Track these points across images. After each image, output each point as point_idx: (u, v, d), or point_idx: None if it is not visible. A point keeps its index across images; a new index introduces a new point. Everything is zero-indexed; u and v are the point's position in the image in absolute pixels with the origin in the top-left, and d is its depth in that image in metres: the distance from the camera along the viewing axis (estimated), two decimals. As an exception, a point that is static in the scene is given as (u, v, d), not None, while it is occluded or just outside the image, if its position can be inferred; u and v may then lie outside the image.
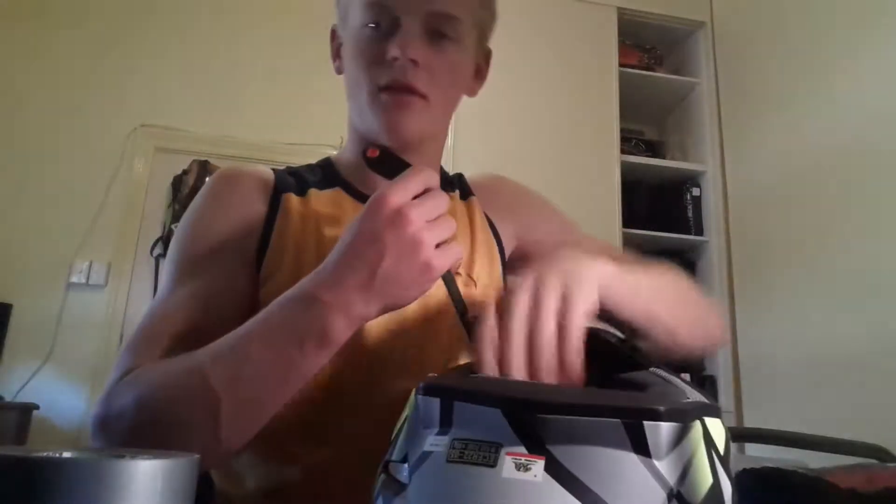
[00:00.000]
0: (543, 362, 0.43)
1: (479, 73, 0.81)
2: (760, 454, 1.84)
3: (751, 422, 2.44)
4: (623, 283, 0.51)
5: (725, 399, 2.55)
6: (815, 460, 0.96)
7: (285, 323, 0.49)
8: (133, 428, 0.51)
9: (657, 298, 0.57)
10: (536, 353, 0.43)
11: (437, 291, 0.70)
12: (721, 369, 2.60)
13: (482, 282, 0.74)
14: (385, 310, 0.49)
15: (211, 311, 0.62)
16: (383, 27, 0.68)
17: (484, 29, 0.76)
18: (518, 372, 0.43)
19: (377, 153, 0.57)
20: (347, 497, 0.60)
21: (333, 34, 0.79)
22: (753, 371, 2.48)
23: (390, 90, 0.68)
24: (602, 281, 0.48)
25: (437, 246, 0.49)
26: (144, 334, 0.60)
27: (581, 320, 0.45)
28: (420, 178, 0.50)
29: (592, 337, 0.55)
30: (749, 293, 2.55)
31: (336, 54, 0.79)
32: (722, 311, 2.64)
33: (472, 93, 0.80)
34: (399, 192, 0.48)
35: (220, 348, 0.51)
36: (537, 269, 0.46)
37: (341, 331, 0.48)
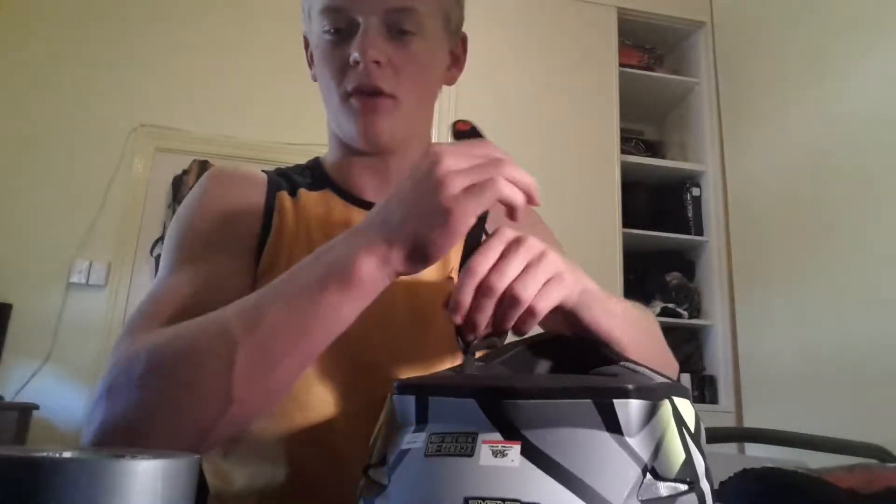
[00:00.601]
0: (508, 320, 0.48)
1: (456, 61, 0.79)
2: (760, 454, 1.84)
3: (751, 422, 2.43)
4: (597, 302, 0.56)
5: (725, 399, 2.56)
6: (815, 460, 0.96)
7: (312, 266, 0.48)
8: (142, 376, 0.47)
9: (623, 324, 0.61)
10: (505, 308, 0.48)
11: (435, 302, 0.71)
12: (721, 369, 2.61)
13: None
14: (411, 256, 0.47)
15: (212, 295, 0.60)
16: (343, 31, 0.68)
17: (449, 15, 0.74)
18: (481, 314, 0.48)
19: (468, 127, 0.55)
20: (337, 501, 0.60)
21: (306, 42, 0.78)
22: (753, 371, 2.48)
23: (358, 94, 0.67)
24: (581, 289, 0.54)
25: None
26: (145, 315, 0.58)
27: (547, 304, 0.50)
28: (486, 147, 0.49)
29: (562, 337, 0.56)
30: (749, 293, 2.55)
31: (311, 61, 0.78)
32: (724, 314, 2.64)
33: (449, 82, 0.79)
34: (451, 150, 0.47)
35: (245, 300, 0.50)
36: (543, 252, 0.50)
37: (367, 272, 0.47)
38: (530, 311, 0.49)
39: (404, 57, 0.68)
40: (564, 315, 0.55)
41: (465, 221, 0.45)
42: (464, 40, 0.80)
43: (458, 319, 0.47)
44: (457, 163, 0.46)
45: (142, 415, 0.47)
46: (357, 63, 0.66)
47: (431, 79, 0.74)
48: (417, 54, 0.69)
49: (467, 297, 0.47)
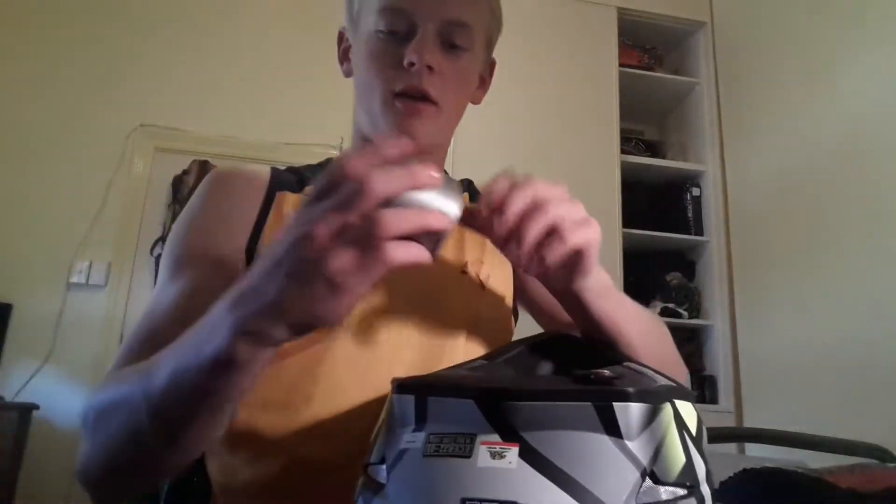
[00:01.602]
0: (533, 233, 0.47)
1: (483, 83, 0.82)
2: (760, 454, 1.84)
3: (751, 422, 2.43)
4: (612, 293, 0.58)
5: (725, 399, 2.55)
6: (815, 460, 0.96)
7: (192, 345, 0.45)
8: (92, 432, 0.53)
9: (634, 321, 0.62)
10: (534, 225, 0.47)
11: (445, 298, 0.71)
12: (721, 369, 2.60)
13: (494, 286, 0.75)
14: (299, 332, 0.43)
15: (199, 311, 0.61)
16: (399, 32, 0.69)
17: (491, 38, 0.78)
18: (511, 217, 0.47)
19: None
20: (342, 494, 0.60)
21: (341, 37, 0.80)
22: (753, 371, 2.48)
23: (404, 96, 0.69)
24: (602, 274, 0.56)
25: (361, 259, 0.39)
26: (138, 335, 0.61)
27: (580, 237, 0.49)
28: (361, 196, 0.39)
29: (565, 337, 0.57)
30: (749, 293, 2.55)
31: (344, 57, 0.79)
32: (724, 314, 2.64)
33: (476, 101, 0.82)
34: (322, 213, 0.39)
35: (146, 364, 0.50)
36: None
37: (247, 356, 0.43)
38: (559, 238, 0.49)
39: (452, 69, 0.71)
40: (577, 303, 0.57)
41: (355, 297, 0.40)
42: (492, 65, 0.83)
43: (485, 210, 0.47)
44: (330, 226, 0.39)
45: (98, 463, 0.53)
46: (412, 65, 0.68)
47: (468, 94, 0.77)
48: (463, 68, 0.72)
49: (518, 203, 0.47)
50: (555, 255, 0.48)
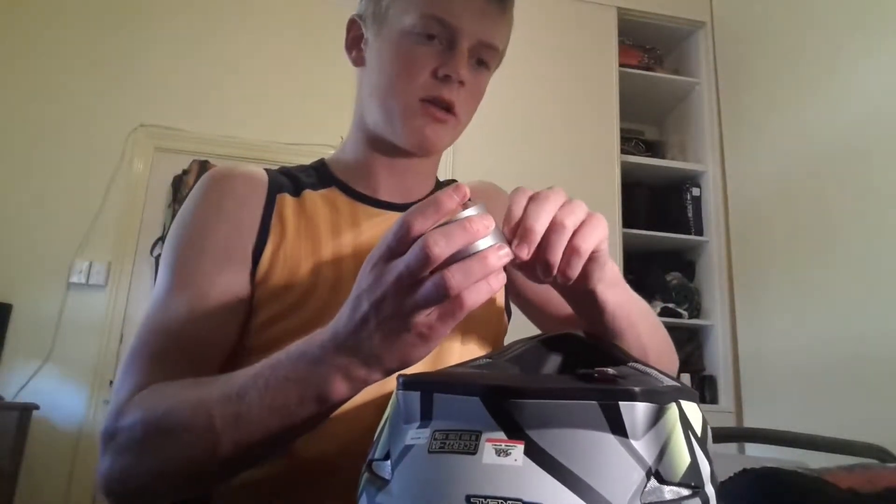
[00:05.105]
0: (558, 247, 0.47)
1: None
2: (760, 454, 1.84)
3: (751, 422, 2.43)
4: (621, 282, 0.59)
5: (725, 399, 2.56)
6: (815, 460, 0.96)
7: (289, 377, 0.49)
8: (138, 448, 0.54)
9: (640, 313, 0.63)
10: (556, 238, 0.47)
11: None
12: (721, 369, 2.61)
13: None
14: (389, 373, 0.48)
15: (211, 320, 0.64)
16: (436, 42, 0.70)
17: (501, 58, 0.80)
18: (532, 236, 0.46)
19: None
20: (342, 494, 0.60)
21: (353, 24, 0.79)
22: (753, 371, 2.48)
23: (429, 103, 0.70)
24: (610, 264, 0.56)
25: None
26: (148, 349, 0.62)
27: (593, 242, 0.49)
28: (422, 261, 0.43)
29: (571, 336, 0.57)
30: (749, 293, 2.55)
31: (354, 45, 0.79)
32: (724, 314, 2.65)
33: None
34: (400, 282, 0.43)
35: (226, 389, 0.52)
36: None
37: (342, 393, 0.48)
38: (575, 251, 0.48)
39: (475, 85, 0.74)
40: (591, 298, 0.57)
41: (441, 338, 0.46)
42: None
43: (526, 254, 0.46)
44: (401, 283, 0.43)
45: (146, 477, 0.55)
46: (447, 78, 0.70)
47: (477, 107, 0.79)
48: (483, 85, 0.76)
49: (541, 228, 0.46)
50: (575, 269, 0.49)
